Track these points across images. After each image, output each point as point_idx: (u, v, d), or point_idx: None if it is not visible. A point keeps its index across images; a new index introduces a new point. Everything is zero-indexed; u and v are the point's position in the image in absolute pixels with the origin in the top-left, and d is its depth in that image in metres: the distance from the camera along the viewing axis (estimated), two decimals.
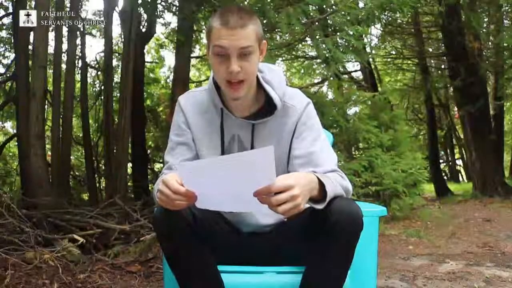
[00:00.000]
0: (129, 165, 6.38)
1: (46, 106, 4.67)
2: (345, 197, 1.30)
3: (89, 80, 8.04)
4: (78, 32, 5.56)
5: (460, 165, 18.60)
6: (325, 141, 1.43)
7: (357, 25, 4.27)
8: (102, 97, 6.59)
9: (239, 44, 1.26)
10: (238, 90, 1.31)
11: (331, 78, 5.92)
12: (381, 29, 9.93)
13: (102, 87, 6.76)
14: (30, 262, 2.82)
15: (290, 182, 1.12)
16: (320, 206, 1.21)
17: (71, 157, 6.40)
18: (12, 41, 6.24)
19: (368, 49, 9.69)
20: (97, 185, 6.64)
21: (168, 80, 10.90)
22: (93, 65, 7.89)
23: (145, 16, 6.13)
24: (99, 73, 8.03)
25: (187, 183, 1.13)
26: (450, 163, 18.57)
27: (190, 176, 1.11)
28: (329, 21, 4.85)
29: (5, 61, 7.71)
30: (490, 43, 9.64)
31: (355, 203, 1.26)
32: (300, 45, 8.74)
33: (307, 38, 5.89)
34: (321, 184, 1.22)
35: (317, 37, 4.74)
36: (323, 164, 1.36)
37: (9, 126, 9.84)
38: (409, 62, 12.30)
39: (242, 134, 1.42)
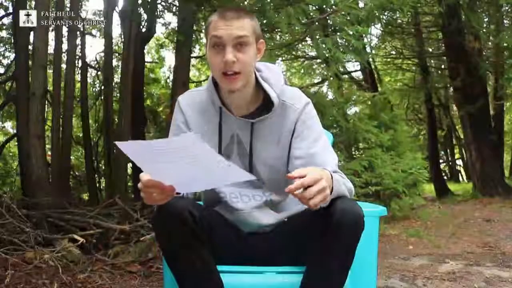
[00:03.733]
0: (129, 165, 6.38)
1: (46, 106, 4.66)
2: (347, 198, 1.30)
3: (89, 80, 8.05)
4: (78, 32, 5.56)
5: (460, 165, 18.61)
6: (325, 142, 1.43)
7: (357, 25, 4.27)
8: (102, 97, 6.60)
9: (235, 33, 1.28)
10: (233, 81, 1.31)
11: (331, 78, 5.92)
12: (381, 29, 9.93)
13: (102, 87, 6.76)
14: (30, 262, 2.81)
15: (317, 175, 1.12)
16: (324, 204, 1.20)
17: (71, 157, 6.39)
18: (12, 41, 6.25)
19: (368, 49, 9.69)
20: (97, 185, 6.64)
21: (168, 80, 10.91)
22: (93, 65, 7.89)
23: (145, 16, 6.13)
24: (99, 73, 8.03)
25: (140, 164, 1.14)
26: (450, 163, 18.58)
27: (136, 156, 1.14)
28: (329, 21, 4.85)
29: (5, 61, 7.75)
30: (490, 43, 9.63)
31: (357, 204, 1.26)
32: (300, 45, 8.75)
33: (307, 38, 5.90)
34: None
35: (317, 37, 4.74)
36: (324, 165, 1.34)
37: (9, 126, 9.87)
38: (409, 62, 12.30)
39: (241, 133, 1.41)
